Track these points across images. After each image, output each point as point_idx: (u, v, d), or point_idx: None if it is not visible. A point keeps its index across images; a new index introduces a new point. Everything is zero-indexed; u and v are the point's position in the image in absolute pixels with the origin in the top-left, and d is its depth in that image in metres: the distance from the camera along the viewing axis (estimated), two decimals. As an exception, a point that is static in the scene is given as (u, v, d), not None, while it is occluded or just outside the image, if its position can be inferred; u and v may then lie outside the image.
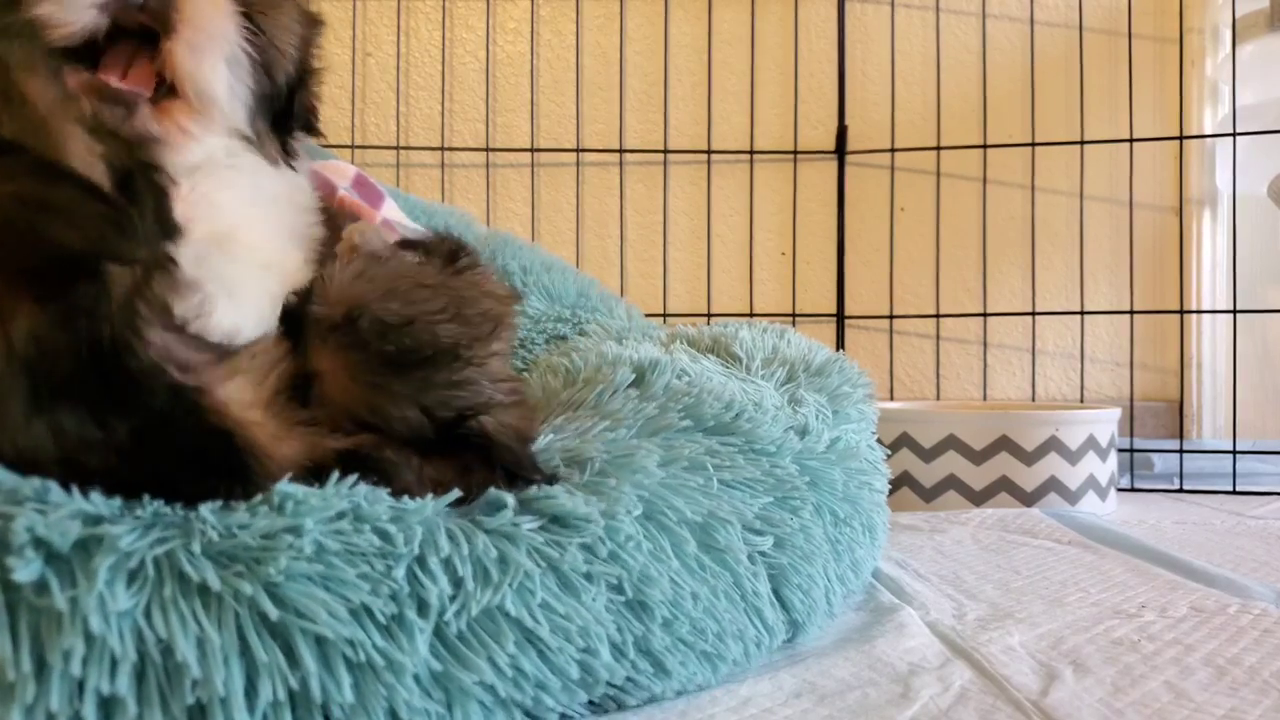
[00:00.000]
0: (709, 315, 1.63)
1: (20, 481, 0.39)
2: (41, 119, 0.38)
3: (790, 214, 1.66)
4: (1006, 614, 0.71)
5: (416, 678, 0.42)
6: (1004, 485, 1.20)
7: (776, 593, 0.60)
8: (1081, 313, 1.59)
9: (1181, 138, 1.61)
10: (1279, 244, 1.66)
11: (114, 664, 0.37)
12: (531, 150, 1.64)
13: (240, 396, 0.44)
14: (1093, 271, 1.64)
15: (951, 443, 1.21)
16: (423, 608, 0.43)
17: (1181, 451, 1.45)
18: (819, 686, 0.56)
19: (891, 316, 1.65)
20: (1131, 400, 1.57)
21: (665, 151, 1.65)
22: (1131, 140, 1.55)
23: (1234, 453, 1.40)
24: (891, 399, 1.62)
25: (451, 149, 1.64)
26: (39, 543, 0.37)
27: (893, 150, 1.63)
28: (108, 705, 0.37)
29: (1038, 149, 1.62)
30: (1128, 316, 1.60)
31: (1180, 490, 1.42)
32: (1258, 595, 0.76)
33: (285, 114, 0.65)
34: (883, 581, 0.80)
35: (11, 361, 0.36)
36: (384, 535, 0.43)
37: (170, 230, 0.41)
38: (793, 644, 0.63)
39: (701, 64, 1.65)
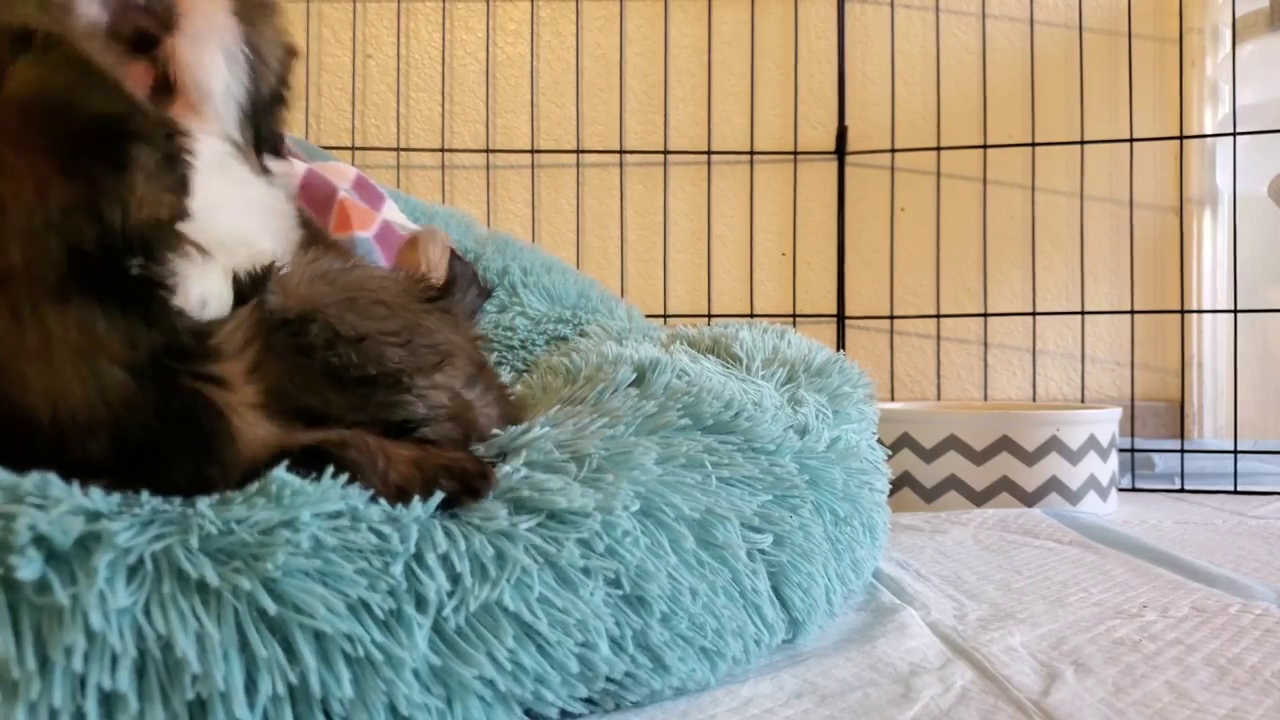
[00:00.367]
0: (709, 316, 1.63)
1: (19, 479, 0.39)
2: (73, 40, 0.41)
3: (790, 214, 1.66)
4: (1008, 614, 0.71)
5: (416, 673, 0.42)
6: (1005, 485, 1.20)
7: (776, 590, 0.60)
8: (1082, 313, 1.59)
9: (1181, 137, 1.60)
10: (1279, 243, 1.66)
11: (114, 660, 0.37)
12: (531, 151, 1.64)
13: (219, 372, 0.44)
14: (1093, 271, 1.64)
15: (952, 443, 1.21)
16: (421, 603, 0.43)
17: (1183, 451, 1.45)
18: (820, 687, 0.56)
19: (892, 317, 1.65)
20: (1132, 400, 1.56)
21: (665, 152, 1.65)
22: (1131, 140, 1.55)
23: (1235, 452, 1.40)
24: (892, 399, 1.62)
25: (452, 150, 1.65)
26: (40, 540, 0.37)
27: (893, 150, 1.63)
28: (109, 701, 0.37)
29: (1038, 149, 1.62)
30: (1128, 316, 1.60)
31: (1181, 490, 1.42)
32: (1259, 595, 0.76)
33: (262, 129, 0.65)
34: (884, 582, 0.80)
35: (48, 230, 0.37)
36: (380, 534, 0.43)
37: (181, 179, 0.43)
38: (794, 644, 0.63)
39: (701, 65, 1.65)
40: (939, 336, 1.66)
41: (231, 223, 0.56)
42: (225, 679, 0.38)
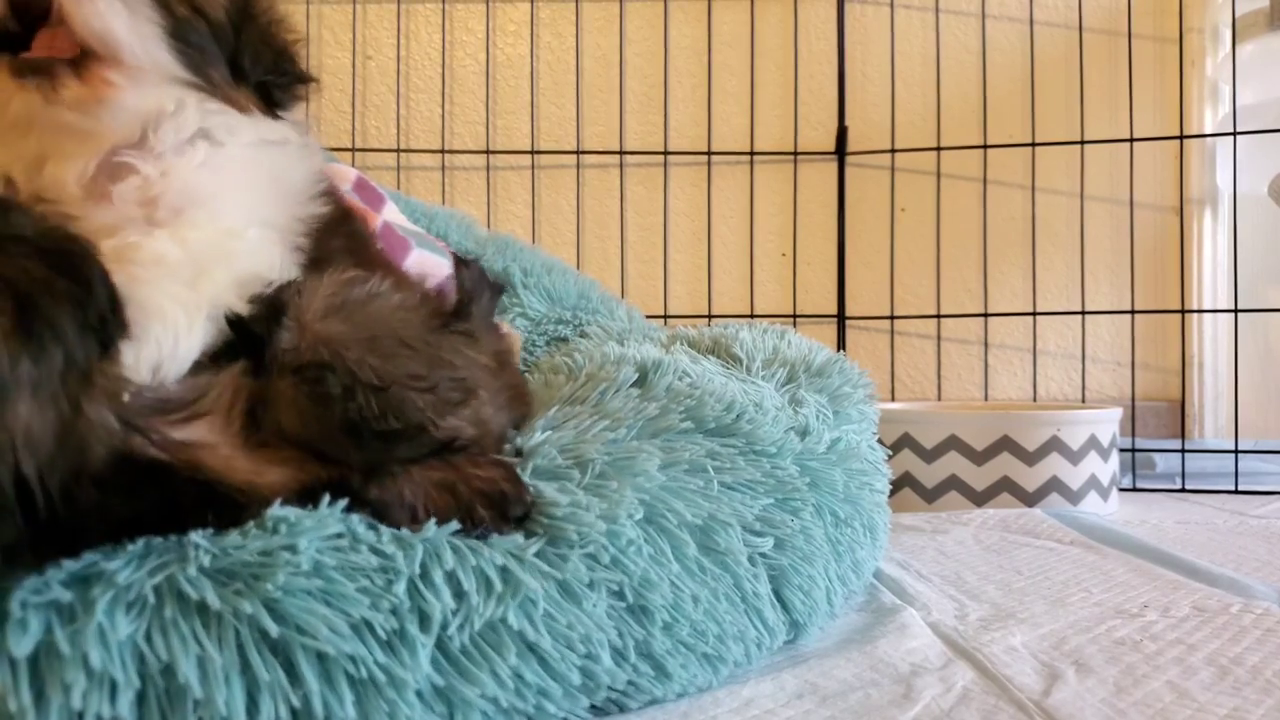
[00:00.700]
0: (710, 316, 1.63)
1: None
2: None
3: (791, 215, 1.66)
4: (1008, 614, 0.71)
5: (419, 693, 0.41)
6: (1006, 485, 1.20)
7: (777, 594, 0.60)
8: (1083, 313, 1.59)
9: (1182, 137, 1.60)
10: (1280, 243, 1.66)
11: (115, 691, 0.36)
12: (532, 152, 1.64)
13: (209, 439, 0.43)
14: (1093, 271, 1.64)
15: (953, 443, 1.21)
16: (425, 622, 0.42)
17: (1183, 451, 1.45)
18: (821, 687, 0.56)
19: (892, 317, 1.65)
20: (1133, 400, 1.56)
21: (665, 153, 1.65)
22: (1131, 140, 1.54)
23: (1236, 452, 1.40)
24: (893, 400, 1.62)
25: (452, 151, 1.65)
26: (36, 608, 0.37)
27: (893, 151, 1.63)
28: None
29: (1038, 149, 1.62)
30: (1129, 316, 1.60)
31: (1182, 490, 1.42)
32: (1260, 595, 0.76)
33: (242, 62, 0.59)
34: (884, 582, 0.80)
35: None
36: (382, 554, 0.43)
37: (107, 311, 0.40)
38: (794, 645, 0.63)
39: (701, 66, 1.65)
40: (939, 337, 1.66)
41: (204, 232, 0.52)
42: (227, 703, 0.38)
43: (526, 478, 0.52)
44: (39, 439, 0.35)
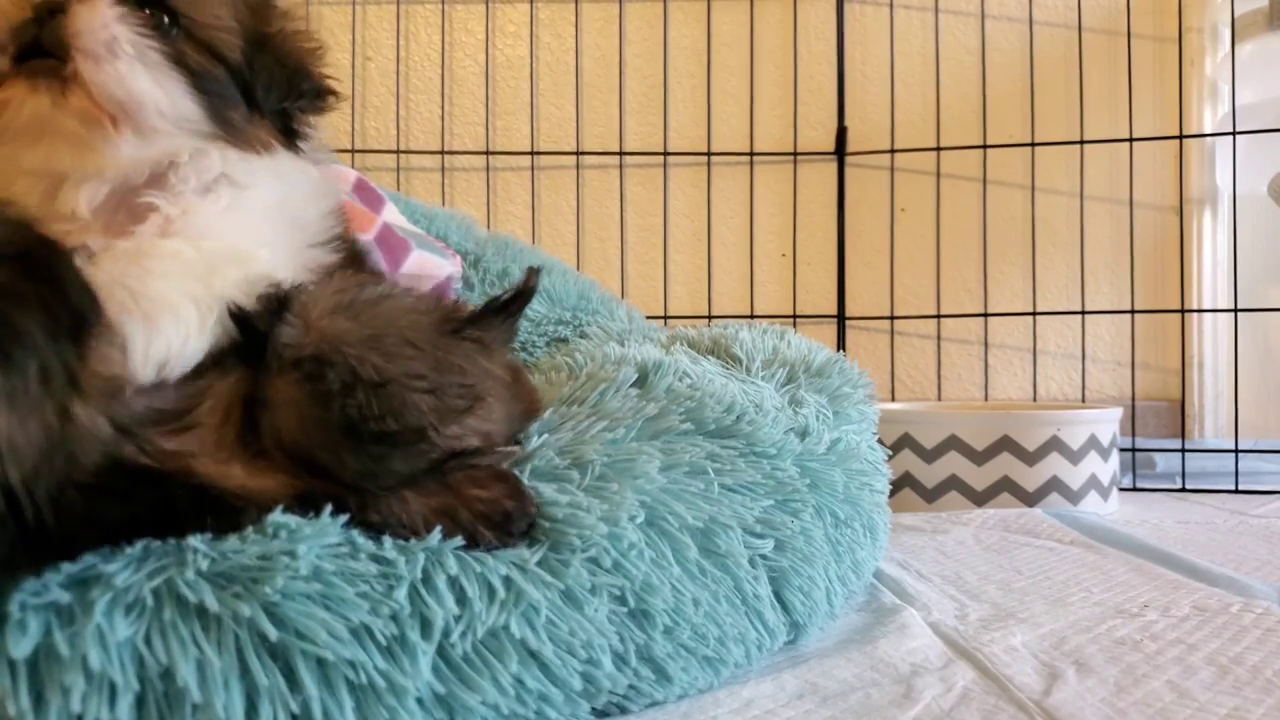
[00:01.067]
0: (709, 317, 1.63)
1: None
2: None
3: (790, 215, 1.66)
4: (1009, 614, 0.71)
5: (419, 700, 0.41)
6: (1006, 485, 1.20)
7: (777, 595, 0.60)
8: (1082, 312, 1.59)
9: (1181, 137, 1.60)
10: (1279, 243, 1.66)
11: (114, 694, 0.36)
12: (531, 153, 1.64)
13: (200, 448, 0.43)
14: (1093, 271, 1.64)
15: (953, 443, 1.21)
16: (426, 628, 0.42)
17: (1184, 451, 1.45)
18: (821, 687, 0.56)
19: (892, 317, 1.65)
20: (1133, 400, 1.56)
21: (665, 154, 1.65)
22: (1131, 140, 1.54)
23: (1236, 452, 1.40)
24: (893, 400, 1.62)
25: (451, 152, 1.65)
26: (35, 610, 0.37)
27: (892, 151, 1.63)
28: None
29: (1038, 149, 1.62)
30: (1129, 316, 1.60)
31: (1182, 490, 1.42)
32: (1260, 594, 0.76)
33: (263, 101, 0.60)
34: (885, 582, 0.80)
35: None
36: (383, 560, 0.43)
37: (81, 311, 0.40)
38: (795, 645, 0.63)
39: (701, 66, 1.65)
40: (939, 337, 1.66)
41: (215, 235, 0.53)
42: (226, 707, 0.37)
43: (525, 479, 0.52)
44: (21, 449, 0.35)
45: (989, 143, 1.61)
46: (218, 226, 0.54)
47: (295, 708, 0.39)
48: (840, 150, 1.64)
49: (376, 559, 0.43)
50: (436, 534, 0.45)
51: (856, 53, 1.66)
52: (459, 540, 0.46)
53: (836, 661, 0.60)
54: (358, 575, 0.42)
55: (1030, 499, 1.19)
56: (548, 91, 1.66)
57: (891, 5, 1.65)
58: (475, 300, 1.08)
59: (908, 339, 1.67)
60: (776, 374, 0.79)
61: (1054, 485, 1.19)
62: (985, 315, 1.63)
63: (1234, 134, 1.44)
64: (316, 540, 0.42)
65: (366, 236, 0.98)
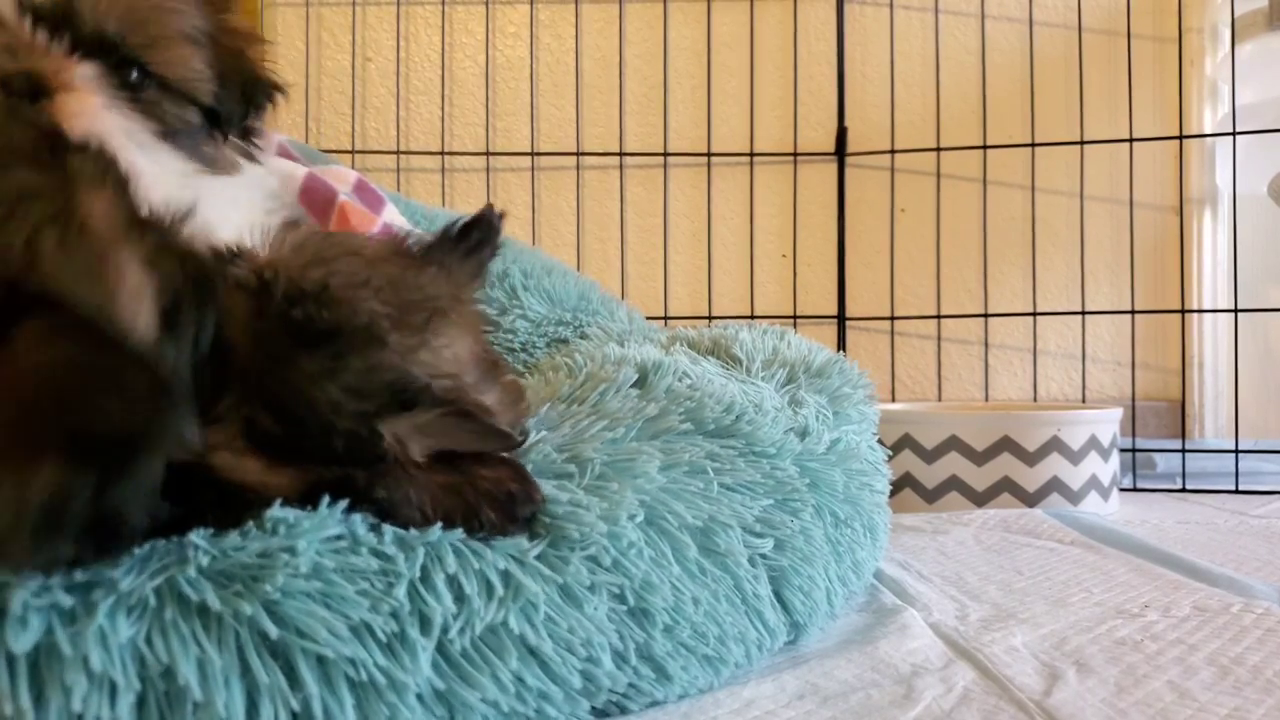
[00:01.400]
0: (710, 318, 1.63)
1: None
2: (99, 254, 0.36)
3: (790, 216, 1.66)
4: (1009, 614, 0.71)
5: (420, 696, 0.41)
6: (1006, 486, 1.20)
7: (778, 595, 0.60)
8: (1083, 313, 1.59)
9: (1181, 137, 1.60)
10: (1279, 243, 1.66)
11: (114, 694, 0.36)
12: (531, 154, 1.64)
13: (223, 441, 0.43)
14: (1093, 271, 1.64)
15: (953, 444, 1.21)
16: (425, 625, 0.42)
17: (1184, 451, 1.45)
18: (822, 688, 0.56)
19: (892, 318, 1.65)
20: (1133, 400, 1.56)
21: (665, 154, 1.65)
22: (1131, 140, 1.55)
23: (1236, 452, 1.40)
24: (893, 400, 1.62)
25: (452, 153, 1.65)
26: (37, 610, 0.37)
27: (892, 151, 1.63)
28: None
29: (1038, 149, 1.62)
30: (1129, 316, 1.60)
31: (1183, 490, 1.42)
32: (1261, 594, 0.76)
33: (221, 118, 0.63)
34: (885, 583, 0.80)
35: (21, 519, 0.33)
36: (383, 556, 0.43)
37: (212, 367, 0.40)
38: (795, 645, 0.63)
39: (701, 67, 1.66)
40: (939, 337, 1.66)
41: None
42: (227, 706, 0.37)
43: None
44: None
45: (989, 143, 1.61)
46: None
47: (296, 705, 0.39)
48: (840, 151, 1.64)
49: (377, 554, 0.43)
50: (437, 529, 0.45)
51: (856, 53, 1.66)
52: (458, 533, 0.45)
53: (837, 662, 0.60)
54: (358, 572, 0.42)
55: (1031, 499, 1.19)
56: (548, 92, 1.66)
57: (891, 6, 1.65)
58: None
59: (908, 339, 1.67)
60: (776, 374, 0.79)
61: (1054, 485, 1.19)
62: (985, 315, 1.63)
63: (1234, 134, 1.44)
64: (316, 534, 0.42)
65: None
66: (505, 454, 0.49)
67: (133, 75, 0.57)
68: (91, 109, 0.53)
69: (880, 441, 0.83)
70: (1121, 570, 0.86)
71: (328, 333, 0.43)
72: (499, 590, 0.44)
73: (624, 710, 0.51)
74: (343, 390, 0.42)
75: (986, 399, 1.64)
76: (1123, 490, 1.36)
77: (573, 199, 1.66)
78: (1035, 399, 1.64)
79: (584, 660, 0.47)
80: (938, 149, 1.61)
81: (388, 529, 0.44)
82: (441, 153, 1.64)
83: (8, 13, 0.54)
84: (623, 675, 0.48)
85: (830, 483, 0.68)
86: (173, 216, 0.43)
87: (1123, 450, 1.36)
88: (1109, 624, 0.69)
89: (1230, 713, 0.52)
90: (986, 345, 1.65)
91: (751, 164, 1.66)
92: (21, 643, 0.35)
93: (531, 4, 1.65)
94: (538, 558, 0.47)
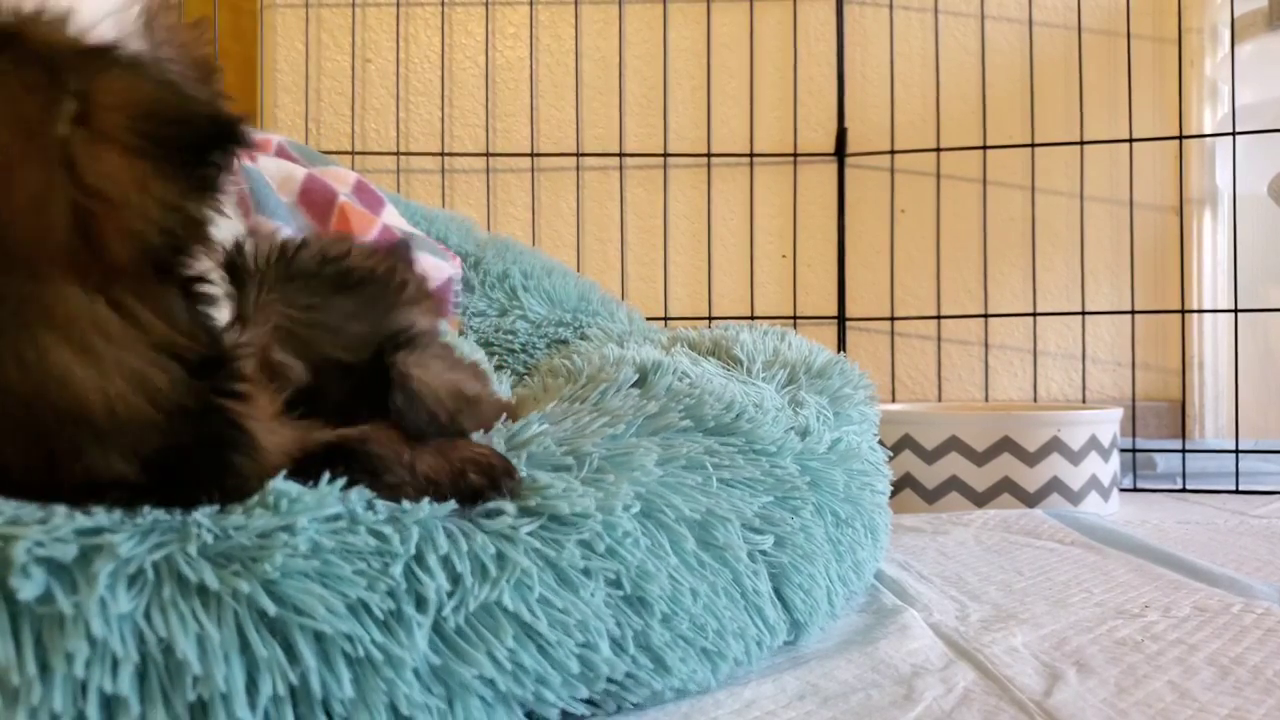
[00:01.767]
0: (710, 318, 1.63)
1: (22, 508, 0.39)
2: None
3: (790, 217, 1.66)
4: (1010, 615, 0.71)
5: (416, 672, 0.42)
6: (1006, 486, 1.20)
7: (777, 592, 0.60)
8: (1083, 313, 1.59)
9: (1181, 137, 1.61)
10: (1280, 243, 1.66)
11: (116, 664, 0.37)
12: (531, 155, 1.64)
13: (243, 387, 0.44)
14: (1094, 272, 1.64)
15: (953, 444, 1.21)
16: (421, 603, 0.43)
17: (1184, 451, 1.45)
18: (822, 688, 0.56)
19: (893, 318, 1.65)
20: (1134, 400, 1.56)
21: (665, 155, 1.65)
22: (1131, 140, 1.55)
23: (1236, 452, 1.40)
24: (893, 401, 1.62)
25: (452, 154, 1.65)
26: (41, 559, 0.37)
27: (892, 152, 1.63)
28: (111, 704, 0.37)
29: (1037, 150, 1.62)
30: (1129, 316, 1.60)
31: (1183, 490, 1.42)
32: (1261, 595, 0.76)
33: None
34: (885, 583, 0.80)
35: (149, 228, 0.38)
36: (380, 536, 0.43)
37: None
38: (795, 645, 0.63)
39: (701, 67, 1.66)
40: (940, 338, 1.66)
41: None
42: (226, 680, 0.38)
43: (522, 467, 0.52)
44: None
45: (989, 143, 1.61)
46: None
47: (294, 680, 0.39)
48: (840, 151, 1.64)
49: (374, 533, 0.43)
50: (426, 507, 0.46)
51: (856, 54, 1.66)
52: (450, 506, 0.47)
53: (837, 662, 0.60)
54: (354, 552, 0.42)
55: (1031, 500, 1.19)
56: (547, 93, 1.66)
57: (891, 6, 1.65)
58: (476, 303, 1.09)
59: (908, 340, 1.67)
60: (777, 375, 0.79)
61: (1055, 486, 1.19)
62: (985, 316, 1.63)
63: (1234, 134, 1.44)
64: (316, 511, 0.43)
65: (366, 238, 0.98)
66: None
67: None
68: None
69: (880, 442, 0.83)
70: (1122, 570, 0.86)
71: (359, 280, 0.53)
72: (491, 569, 0.45)
73: (623, 708, 0.51)
74: (370, 326, 0.52)
75: (986, 399, 1.64)
76: (1123, 490, 1.36)
77: (573, 200, 1.66)
78: (1035, 399, 1.64)
79: (581, 645, 0.47)
80: (937, 149, 1.61)
81: (381, 505, 0.45)
82: (441, 154, 1.64)
83: None
84: (620, 663, 0.49)
85: (831, 482, 0.68)
86: None
87: (1123, 450, 1.36)
88: (1109, 624, 0.69)
89: (1230, 713, 0.52)
90: (986, 346, 1.65)
91: (751, 165, 1.66)
92: (27, 590, 0.36)
93: (531, 5, 1.65)
94: (529, 534, 0.47)
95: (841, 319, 1.64)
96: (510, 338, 1.06)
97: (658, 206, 1.66)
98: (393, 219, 1.05)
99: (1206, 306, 1.62)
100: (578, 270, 1.41)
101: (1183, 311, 1.60)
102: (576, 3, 1.65)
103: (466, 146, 1.65)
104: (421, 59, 1.65)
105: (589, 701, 0.49)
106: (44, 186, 0.36)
